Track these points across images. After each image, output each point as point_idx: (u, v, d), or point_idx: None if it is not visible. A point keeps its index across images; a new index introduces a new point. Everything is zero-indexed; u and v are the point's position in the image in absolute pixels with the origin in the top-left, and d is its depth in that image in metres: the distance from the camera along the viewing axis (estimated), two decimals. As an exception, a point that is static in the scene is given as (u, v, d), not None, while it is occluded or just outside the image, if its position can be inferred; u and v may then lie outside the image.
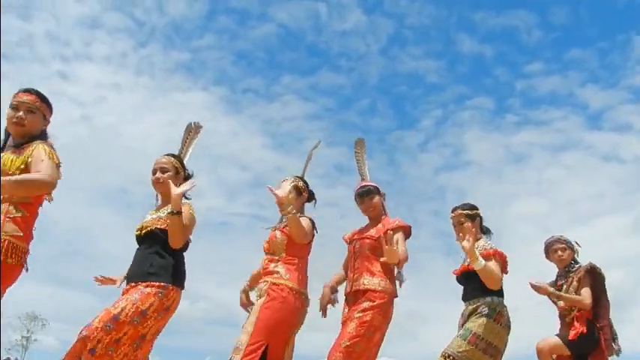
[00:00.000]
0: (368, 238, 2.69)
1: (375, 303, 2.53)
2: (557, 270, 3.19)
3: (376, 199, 2.77)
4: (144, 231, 2.26)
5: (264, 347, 2.26)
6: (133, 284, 2.17)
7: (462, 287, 2.67)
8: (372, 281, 2.60)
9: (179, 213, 2.18)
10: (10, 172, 1.91)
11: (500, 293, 2.53)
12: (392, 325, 2.59)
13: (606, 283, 2.99)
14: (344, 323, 2.57)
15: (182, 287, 2.23)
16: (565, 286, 3.03)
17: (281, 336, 2.33)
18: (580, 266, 3.06)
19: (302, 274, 2.49)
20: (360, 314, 2.51)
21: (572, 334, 2.88)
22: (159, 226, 2.24)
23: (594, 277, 2.99)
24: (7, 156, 1.98)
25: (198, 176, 2.53)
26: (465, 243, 2.38)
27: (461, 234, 2.44)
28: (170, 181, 2.29)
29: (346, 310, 2.65)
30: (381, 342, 2.53)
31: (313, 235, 2.57)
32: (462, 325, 2.55)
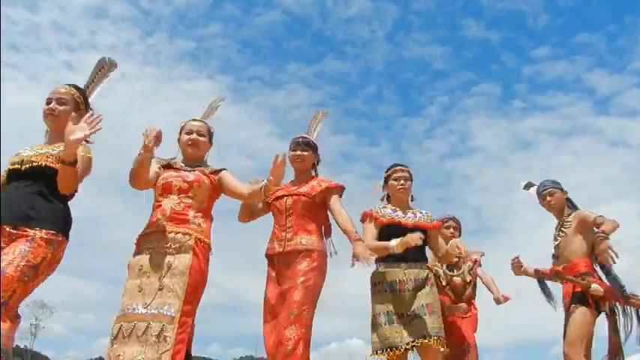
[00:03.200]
0: (304, 195, 2.55)
1: (315, 264, 2.43)
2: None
3: (310, 154, 2.66)
4: (27, 165, 1.91)
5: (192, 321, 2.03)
6: (11, 228, 1.83)
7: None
8: (311, 240, 2.49)
9: (73, 164, 1.87)
10: None
11: None
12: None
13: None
14: (284, 291, 2.39)
15: (68, 238, 1.95)
16: None
17: (196, 307, 2.08)
18: None
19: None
20: (303, 278, 2.38)
21: None
22: (48, 164, 1.92)
23: None
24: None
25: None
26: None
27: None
28: (69, 118, 1.92)
29: (273, 273, 2.48)
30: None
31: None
32: (416, 292, 2.46)
